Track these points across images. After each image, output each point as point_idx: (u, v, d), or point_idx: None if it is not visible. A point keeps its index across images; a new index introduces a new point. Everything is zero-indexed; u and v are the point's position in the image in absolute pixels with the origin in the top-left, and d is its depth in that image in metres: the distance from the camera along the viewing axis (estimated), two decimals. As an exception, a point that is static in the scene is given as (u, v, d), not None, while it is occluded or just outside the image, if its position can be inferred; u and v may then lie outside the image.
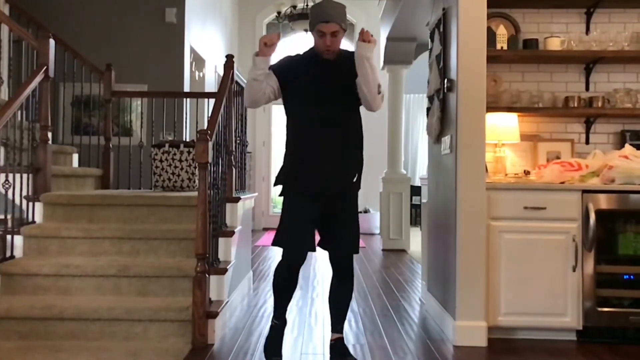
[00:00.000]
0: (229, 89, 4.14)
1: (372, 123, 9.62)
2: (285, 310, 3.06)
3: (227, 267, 3.78)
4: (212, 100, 4.56)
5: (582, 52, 3.90)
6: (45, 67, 4.06)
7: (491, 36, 3.83)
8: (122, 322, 3.30)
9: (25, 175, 3.92)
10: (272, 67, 2.89)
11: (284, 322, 3.05)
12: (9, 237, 3.71)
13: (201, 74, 7.59)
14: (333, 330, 3.04)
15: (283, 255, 2.91)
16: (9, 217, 3.71)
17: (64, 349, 3.14)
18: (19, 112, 3.93)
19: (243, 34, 10.56)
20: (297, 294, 4.57)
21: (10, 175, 3.71)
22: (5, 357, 3.00)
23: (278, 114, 10.28)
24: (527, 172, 3.82)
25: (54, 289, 3.55)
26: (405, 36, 7.22)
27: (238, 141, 4.58)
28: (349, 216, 2.94)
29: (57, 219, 4.03)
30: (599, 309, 3.45)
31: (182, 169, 4.57)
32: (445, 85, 3.69)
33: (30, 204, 3.97)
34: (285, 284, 2.96)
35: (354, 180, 2.92)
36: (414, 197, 8.96)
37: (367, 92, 2.79)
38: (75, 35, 5.80)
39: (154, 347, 3.19)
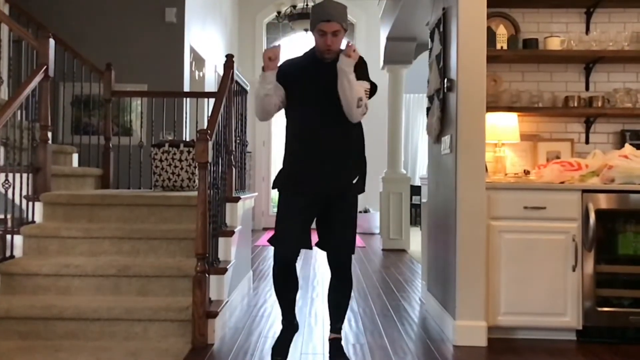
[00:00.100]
0: (229, 89, 4.14)
1: (372, 123, 9.62)
2: (291, 312, 3.03)
3: (227, 267, 3.78)
4: (212, 100, 4.56)
5: (582, 52, 3.90)
6: (45, 67, 4.06)
7: (491, 36, 3.83)
8: (122, 322, 3.30)
9: (25, 175, 3.92)
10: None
11: (291, 326, 3.03)
12: (8, 236, 3.71)
13: (201, 74, 7.59)
14: (331, 330, 3.04)
15: (273, 254, 2.92)
16: (8, 216, 3.71)
17: (63, 348, 3.15)
18: (19, 111, 3.93)
19: (243, 33, 10.57)
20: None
21: (10, 175, 3.71)
22: (5, 357, 3.00)
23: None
24: (527, 172, 3.82)
25: (54, 288, 3.55)
26: (405, 36, 7.22)
27: (238, 141, 4.58)
28: (348, 217, 2.93)
29: (57, 218, 4.03)
30: (599, 309, 3.45)
31: (182, 168, 4.57)
32: (445, 85, 3.69)
33: (30, 203, 3.97)
34: (281, 283, 2.95)
35: (354, 181, 2.92)
36: (414, 197, 8.96)
37: (344, 103, 2.79)
38: (75, 35, 5.79)
39: (153, 347, 3.19)
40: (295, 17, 8.43)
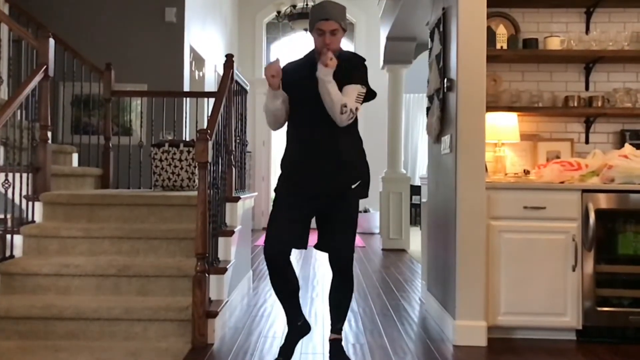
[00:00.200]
0: (228, 89, 4.14)
1: (372, 123, 9.68)
2: (291, 312, 3.00)
3: (227, 267, 3.78)
4: (212, 100, 4.56)
5: (582, 52, 3.90)
6: (45, 67, 4.06)
7: (491, 36, 3.83)
8: (122, 322, 3.30)
9: (25, 175, 3.92)
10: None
11: (294, 327, 3.00)
12: (8, 236, 3.71)
13: (201, 74, 7.59)
14: (332, 331, 3.03)
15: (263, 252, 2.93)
16: (8, 216, 3.71)
17: (63, 348, 3.14)
18: (19, 111, 3.93)
19: (243, 33, 10.57)
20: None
21: (10, 175, 3.71)
22: (5, 356, 3.00)
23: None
24: (526, 172, 3.82)
25: (54, 288, 3.55)
26: (405, 36, 7.21)
27: (238, 140, 4.58)
28: (349, 218, 2.92)
29: (57, 218, 4.03)
30: (599, 309, 3.45)
31: (181, 168, 4.57)
32: (445, 85, 3.69)
33: (30, 203, 3.97)
34: (273, 281, 2.93)
35: (354, 186, 2.89)
36: (413, 197, 8.97)
37: (327, 109, 2.78)
38: (75, 35, 5.79)
39: (153, 347, 3.19)
40: (295, 17, 8.43)
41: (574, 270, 3.44)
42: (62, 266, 3.56)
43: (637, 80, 4.08)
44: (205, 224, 3.39)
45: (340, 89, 2.79)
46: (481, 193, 3.43)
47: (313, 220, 2.94)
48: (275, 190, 3.00)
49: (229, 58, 4.24)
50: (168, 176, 4.59)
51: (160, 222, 4.03)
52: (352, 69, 2.85)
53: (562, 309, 3.45)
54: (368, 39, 10.36)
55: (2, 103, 3.96)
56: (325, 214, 2.90)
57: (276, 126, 3.02)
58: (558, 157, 3.95)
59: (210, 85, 7.82)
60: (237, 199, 4.24)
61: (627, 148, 3.64)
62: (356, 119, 2.95)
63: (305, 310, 4.15)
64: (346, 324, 3.69)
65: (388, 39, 7.38)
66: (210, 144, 3.46)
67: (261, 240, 8.14)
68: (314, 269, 6.06)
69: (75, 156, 5.14)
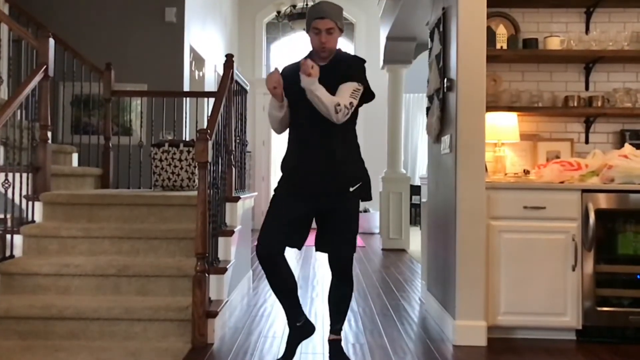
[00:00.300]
0: (228, 89, 4.14)
1: (372, 123, 9.68)
2: (290, 313, 2.98)
3: (227, 267, 3.78)
4: (211, 100, 4.56)
5: (582, 52, 3.90)
6: (44, 67, 4.06)
7: (491, 36, 3.83)
8: (122, 322, 3.30)
9: (24, 175, 3.92)
10: None
11: (294, 328, 2.98)
12: (8, 236, 3.71)
13: (201, 74, 7.59)
14: (331, 331, 3.02)
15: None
16: (8, 216, 3.71)
17: (63, 348, 3.15)
18: (19, 111, 3.93)
19: (243, 33, 10.57)
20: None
21: (10, 175, 3.71)
22: (5, 356, 3.00)
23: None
24: (526, 172, 3.82)
25: (54, 288, 3.55)
26: (405, 36, 7.21)
27: (238, 140, 4.58)
28: (348, 218, 2.90)
29: (57, 218, 4.03)
30: (599, 309, 3.45)
31: (181, 168, 4.57)
32: (445, 85, 3.69)
33: (30, 203, 3.97)
34: (270, 280, 2.92)
35: (352, 188, 2.86)
36: (413, 197, 8.97)
37: (322, 113, 2.77)
38: (75, 35, 5.80)
39: (153, 347, 3.19)
40: (295, 17, 8.44)
41: (573, 270, 3.44)
42: (62, 266, 3.56)
43: (637, 80, 4.08)
44: (205, 223, 3.39)
45: (337, 89, 2.78)
46: (481, 193, 3.43)
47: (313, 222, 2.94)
48: (275, 189, 3.00)
49: (229, 58, 4.24)
50: (168, 176, 4.59)
51: (160, 222, 4.03)
52: (348, 69, 2.84)
53: (562, 309, 3.45)
54: (368, 39, 10.36)
55: (2, 103, 3.96)
56: (324, 215, 2.89)
57: (281, 130, 3.04)
58: (558, 157, 3.95)
59: (210, 85, 7.82)
60: (237, 198, 4.24)
61: (627, 148, 3.64)
62: (354, 124, 2.94)
63: (305, 310, 4.15)
64: (346, 324, 3.69)
65: (388, 39, 7.38)
66: (210, 144, 3.46)
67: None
68: (314, 269, 6.06)
69: (75, 156, 5.14)
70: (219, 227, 3.87)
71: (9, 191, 3.70)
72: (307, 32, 2.88)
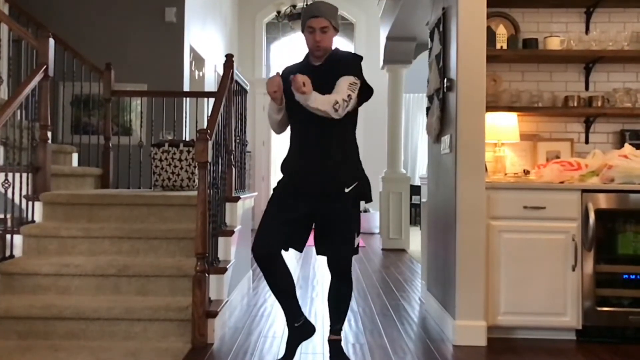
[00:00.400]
0: (228, 89, 4.14)
1: (372, 123, 9.68)
2: (289, 313, 2.98)
3: (227, 267, 3.78)
4: (211, 100, 4.56)
5: (582, 52, 3.90)
6: (44, 67, 4.06)
7: (491, 36, 3.83)
8: (122, 322, 3.30)
9: (24, 175, 3.92)
10: None
11: (292, 328, 2.98)
12: (8, 236, 3.71)
13: (201, 74, 7.59)
14: (331, 331, 3.01)
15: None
16: (8, 216, 3.71)
17: (63, 348, 3.15)
18: (19, 111, 3.93)
19: (243, 33, 10.57)
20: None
21: (10, 175, 3.71)
22: (5, 356, 3.00)
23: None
24: (526, 172, 3.82)
25: (54, 288, 3.55)
26: (405, 36, 7.22)
27: (238, 140, 4.58)
28: (347, 219, 2.89)
29: (57, 218, 4.03)
30: (599, 309, 3.45)
31: (181, 168, 4.57)
32: (445, 85, 3.69)
33: (30, 203, 3.97)
34: (267, 280, 2.91)
35: (348, 189, 2.84)
36: (413, 197, 8.97)
37: (324, 116, 2.77)
38: (75, 35, 5.80)
39: (153, 347, 3.19)
40: (295, 17, 8.44)
41: (573, 270, 3.44)
42: (62, 266, 3.56)
43: (637, 80, 4.08)
44: (205, 223, 3.39)
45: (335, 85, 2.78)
46: (481, 193, 3.43)
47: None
48: (273, 189, 2.99)
49: (229, 58, 4.24)
50: (168, 176, 4.59)
51: (160, 222, 4.03)
52: (344, 66, 2.83)
53: (562, 309, 3.45)
54: (368, 39, 10.36)
55: (2, 103, 3.96)
56: (322, 216, 2.87)
57: (280, 131, 3.07)
58: (558, 157, 3.95)
59: (210, 85, 7.82)
60: (237, 198, 4.24)
61: (627, 148, 3.64)
62: (354, 124, 2.94)
63: (305, 310, 4.15)
64: (346, 323, 3.69)
65: (388, 38, 7.38)
66: (210, 143, 3.46)
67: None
68: (314, 269, 6.06)
69: (75, 156, 5.14)
70: (219, 227, 3.87)
71: (9, 191, 3.70)
72: (303, 31, 2.88)
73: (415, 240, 7.49)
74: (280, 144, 10.17)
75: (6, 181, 3.67)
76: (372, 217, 9.55)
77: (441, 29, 3.80)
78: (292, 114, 2.91)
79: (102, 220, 4.02)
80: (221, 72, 4.81)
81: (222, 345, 3.33)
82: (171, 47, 6.50)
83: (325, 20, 2.78)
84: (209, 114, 3.98)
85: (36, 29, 5.15)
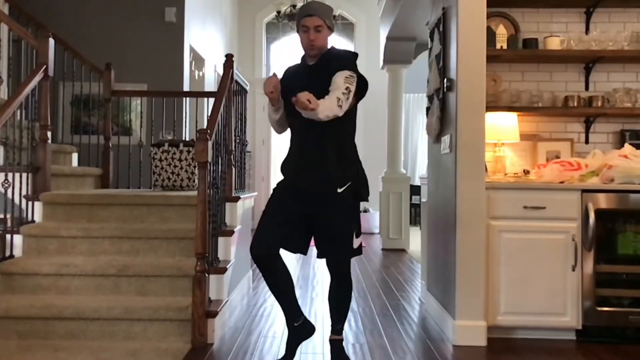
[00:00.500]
0: (228, 89, 4.14)
1: (372, 123, 9.68)
2: (288, 313, 2.97)
3: (227, 267, 3.78)
4: (211, 100, 4.56)
5: (582, 52, 3.90)
6: (44, 67, 4.06)
7: (491, 36, 3.83)
8: (122, 322, 3.30)
9: (24, 175, 3.92)
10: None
11: (292, 328, 2.97)
12: (8, 236, 3.71)
13: (201, 74, 7.59)
14: (332, 331, 3.01)
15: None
16: (8, 216, 3.71)
17: (63, 348, 3.15)
18: (19, 111, 3.93)
19: (243, 33, 10.57)
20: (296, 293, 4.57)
21: (10, 175, 3.71)
22: (5, 356, 3.00)
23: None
24: (526, 172, 3.82)
25: (54, 288, 3.55)
26: (405, 36, 7.21)
27: (237, 140, 4.58)
28: (345, 219, 2.87)
29: (57, 218, 4.02)
30: (599, 309, 3.45)
31: (181, 168, 4.57)
32: (445, 85, 3.69)
33: (30, 203, 3.97)
34: (266, 279, 2.91)
35: (340, 190, 2.82)
36: (413, 197, 8.97)
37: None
38: (75, 35, 5.80)
39: (153, 347, 3.19)
40: (294, 17, 8.43)
41: (573, 270, 3.44)
42: (62, 266, 3.56)
43: (636, 80, 4.08)
44: (205, 223, 3.39)
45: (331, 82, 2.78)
46: (481, 193, 3.43)
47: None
48: (273, 190, 2.99)
49: (229, 58, 4.24)
50: (168, 176, 4.59)
51: (160, 222, 4.03)
52: (339, 63, 2.81)
53: (562, 309, 3.45)
54: (368, 39, 10.36)
55: (2, 103, 3.96)
56: (320, 217, 2.86)
57: (280, 131, 3.07)
58: (558, 157, 3.95)
59: (210, 85, 7.82)
60: (237, 198, 4.24)
61: (627, 148, 3.64)
62: (353, 124, 2.93)
63: (305, 310, 4.15)
64: (346, 324, 3.68)
65: (388, 39, 7.38)
66: (210, 143, 3.46)
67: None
68: (314, 269, 6.06)
69: (75, 156, 5.14)
70: (219, 227, 3.87)
71: (9, 191, 3.70)
72: (297, 31, 2.88)
73: (415, 240, 7.49)
74: (280, 144, 10.17)
75: (6, 181, 3.67)
76: (372, 217, 9.55)
77: (441, 29, 3.80)
78: (291, 115, 2.91)
79: (102, 220, 4.02)
80: (221, 72, 4.81)
81: (222, 345, 3.33)
82: (171, 47, 6.50)
83: (319, 19, 2.78)
84: (209, 114, 3.98)
85: (36, 29, 5.15)
